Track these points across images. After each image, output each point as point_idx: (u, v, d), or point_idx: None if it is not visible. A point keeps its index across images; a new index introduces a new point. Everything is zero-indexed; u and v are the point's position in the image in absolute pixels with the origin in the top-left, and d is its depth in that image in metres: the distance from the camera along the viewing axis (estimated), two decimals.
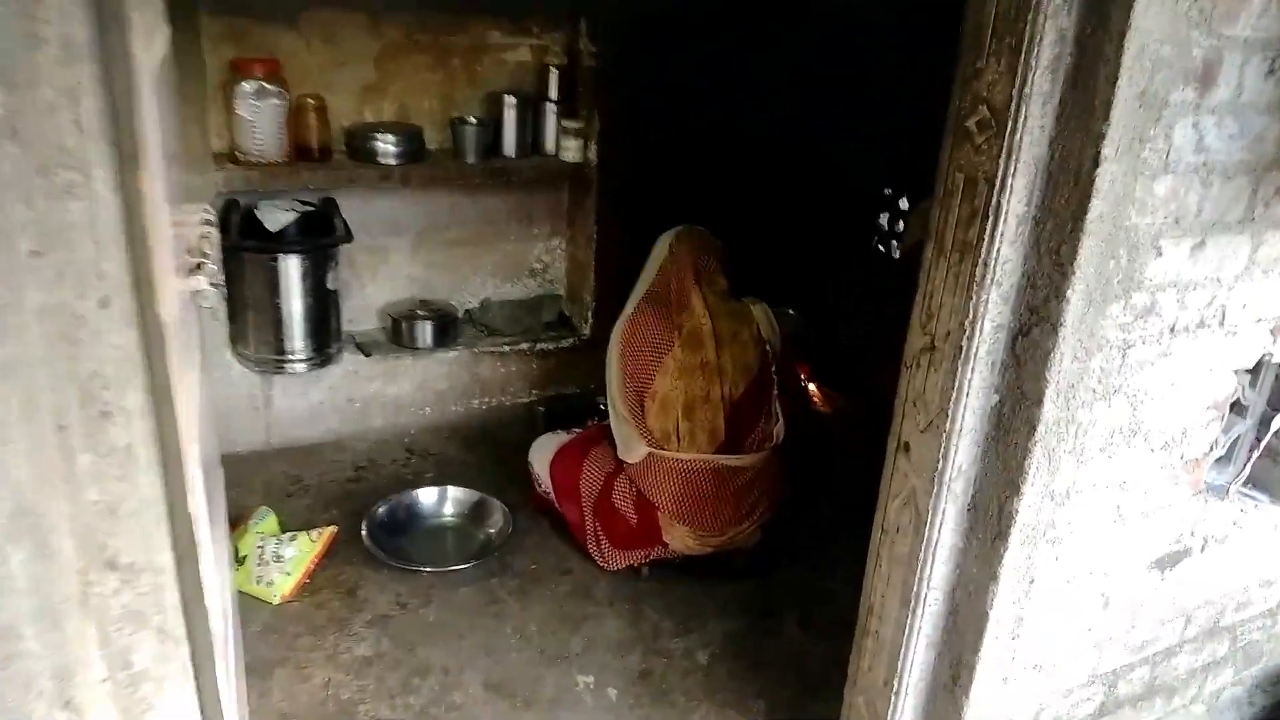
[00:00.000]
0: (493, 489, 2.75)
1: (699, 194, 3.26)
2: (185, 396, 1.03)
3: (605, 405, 2.48)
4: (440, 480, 2.87)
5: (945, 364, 1.40)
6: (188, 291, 1.62)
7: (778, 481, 2.39)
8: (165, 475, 0.96)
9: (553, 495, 2.52)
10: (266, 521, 2.49)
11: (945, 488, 1.45)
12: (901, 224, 3.20)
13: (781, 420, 2.35)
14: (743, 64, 3.19)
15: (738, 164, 3.29)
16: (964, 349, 1.36)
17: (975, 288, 1.33)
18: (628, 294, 3.29)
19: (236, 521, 2.49)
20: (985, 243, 1.30)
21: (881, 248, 3.29)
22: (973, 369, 1.37)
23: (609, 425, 2.45)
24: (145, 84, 0.96)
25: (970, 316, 1.35)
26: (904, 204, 3.19)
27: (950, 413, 1.40)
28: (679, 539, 2.32)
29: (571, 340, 3.32)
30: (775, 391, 2.35)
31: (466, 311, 3.33)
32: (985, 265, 1.31)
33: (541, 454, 2.57)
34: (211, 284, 1.68)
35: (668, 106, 3.11)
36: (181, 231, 1.83)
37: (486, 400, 3.25)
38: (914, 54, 2.89)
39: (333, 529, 2.48)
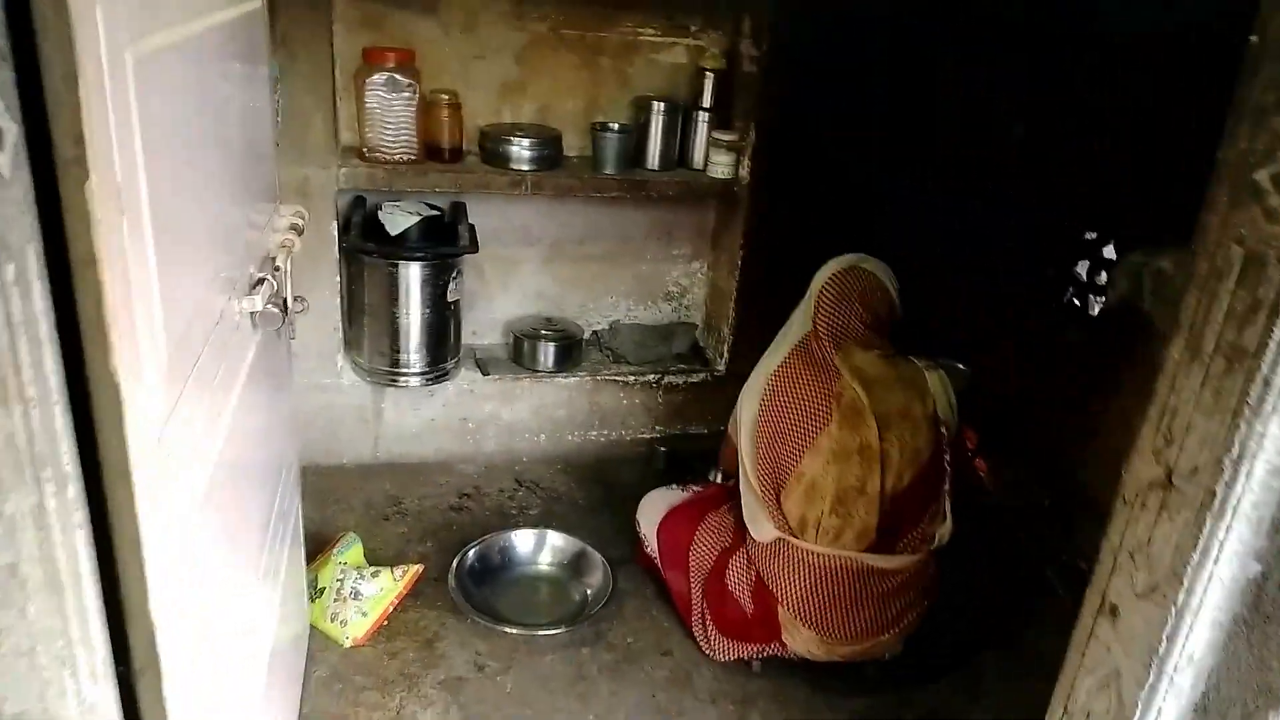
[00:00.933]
0: (597, 538, 2.47)
1: (865, 224, 2.87)
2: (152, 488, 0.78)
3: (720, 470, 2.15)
4: (545, 518, 2.62)
5: (1187, 511, 1.00)
6: (242, 312, 1.42)
7: (932, 586, 1.98)
8: (73, 598, 0.71)
9: (659, 560, 2.21)
10: (352, 551, 2.30)
11: (1166, 678, 1.04)
12: (1104, 276, 2.69)
13: (950, 519, 1.93)
14: (931, 76, 2.77)
15: (914, 193, 2.87)
16: (1219, 495, 0.96)
17: (1247, 413, 0.92)
18: (773, 332, 2.96)
19: (323, 546, 2.32)
20: (1271, 352, 0.90)
21: (1077, 301, 2.79)
22: (1228, 524, 0.96)
23: (734, 486, 2.11)
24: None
25: (1234, 451, 0.94)
26: (1109, 252, 2.68)
27: (1186, 579, 1.00)
28: (801, 642, 1.96)
29: (703, 375, 2.99)
30: (948, 486, 1.93)
31: (594, 333, 3.07)
32: (1267, 384, 0.90)
33: (650, 512, 2.26)
34: (274, 304, 1.47)
35: (837, 123, 2.74)
36: (257, 238, 1.63)
37: (605, 433, 2.97)
38: (1145, 73, 2.40)
39: (418, 569, 2.26)
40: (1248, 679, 1.01)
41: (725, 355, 2.96)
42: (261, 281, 1.47)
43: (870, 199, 2.86)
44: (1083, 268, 2.78)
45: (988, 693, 2.11)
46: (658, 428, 3.01)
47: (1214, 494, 0.96)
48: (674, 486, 2.32)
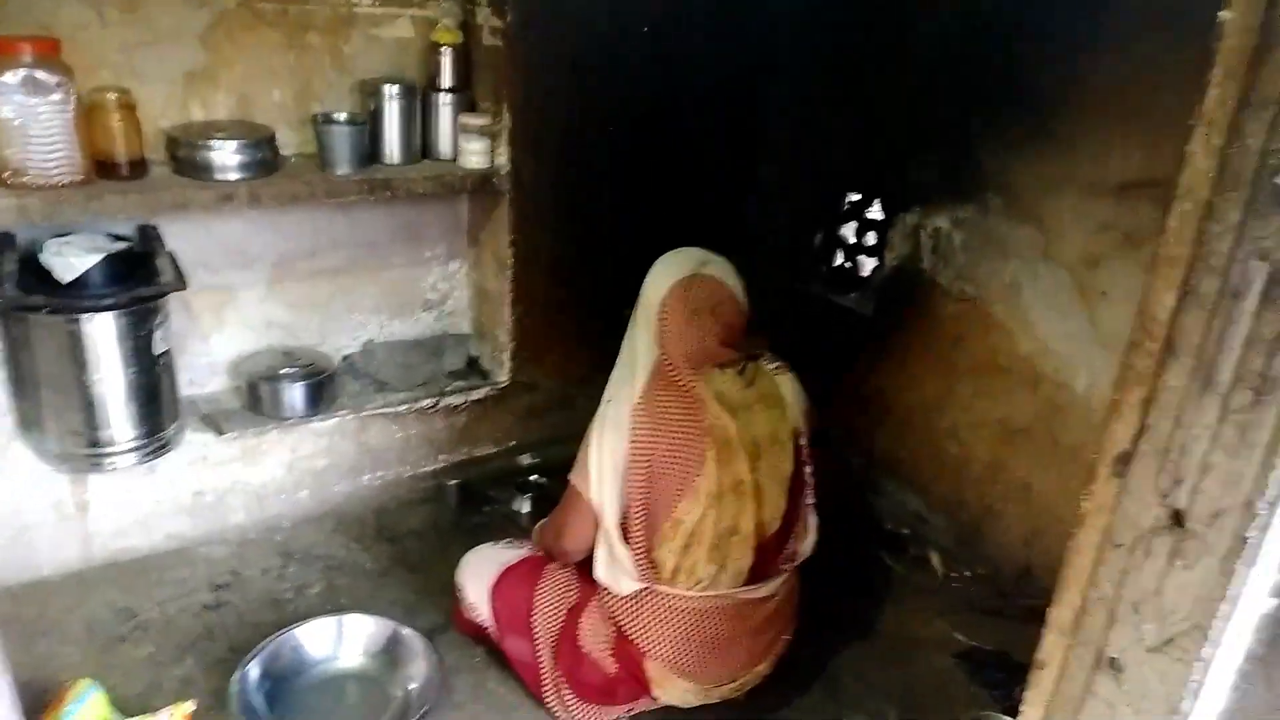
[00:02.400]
0: (401, 609, 2.10)
1: (634, 198, 2.66)
2: None
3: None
4: (330, 597, 2.19)
5: (1209, 559, 0.88)
6: None
7: (797, 603, 1.85)
8: None
9: (493, 630, 1.89)
10: (91, 703, 1.75)
11: None
12: (872, 236, 2.69)
13: (813, 531, 1.79)
14: (686, 30, 2.57)
15: (674, 160, 2.70)
16: (1251, 540, 0.85)
17: None
18: (564, 335, 2.67)
19: (48, 703, 1.75)
20: None
21: (848, 264, 2.78)
22: (1263, 570, 0.86)
23: (549, 531, 1.84)
24: None
25: (1270, 493, 0.83)
26: (875, 212, 2.68)
27: (1211, 630, 0.89)
28: (677, 694, 1.75)
29: (485, 389, 2.66)
30: (810, 500, 1.78)
31: (345, 359, 2.61)
32: None
33: (477, 577, 1.92)
34: None
35: (595, 91, 2.48)
36: None
37: (380, 475, 2.56)
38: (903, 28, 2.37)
39: (188, 707, 1.76)
40: (1266, 717, 0.94)
41: (506, 364, 2.64)
42: None
43: (635, 175, 2.65)
44: (849, 230, 2.77)
45: (848, 693, 2.05)
46: (441, 457, 2.64)
47: (1244, 540, 0.85)
48: (498, 544, 2.00)
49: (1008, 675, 2.07)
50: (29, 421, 2.08)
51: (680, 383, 1.62)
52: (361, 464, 2.51)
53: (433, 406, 2.57)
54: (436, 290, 2.73)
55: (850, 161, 2.67)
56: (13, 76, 1.84)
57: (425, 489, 2.60)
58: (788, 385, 1.74)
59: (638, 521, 1.62)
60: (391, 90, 2.31)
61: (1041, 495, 2.29)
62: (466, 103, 2.43)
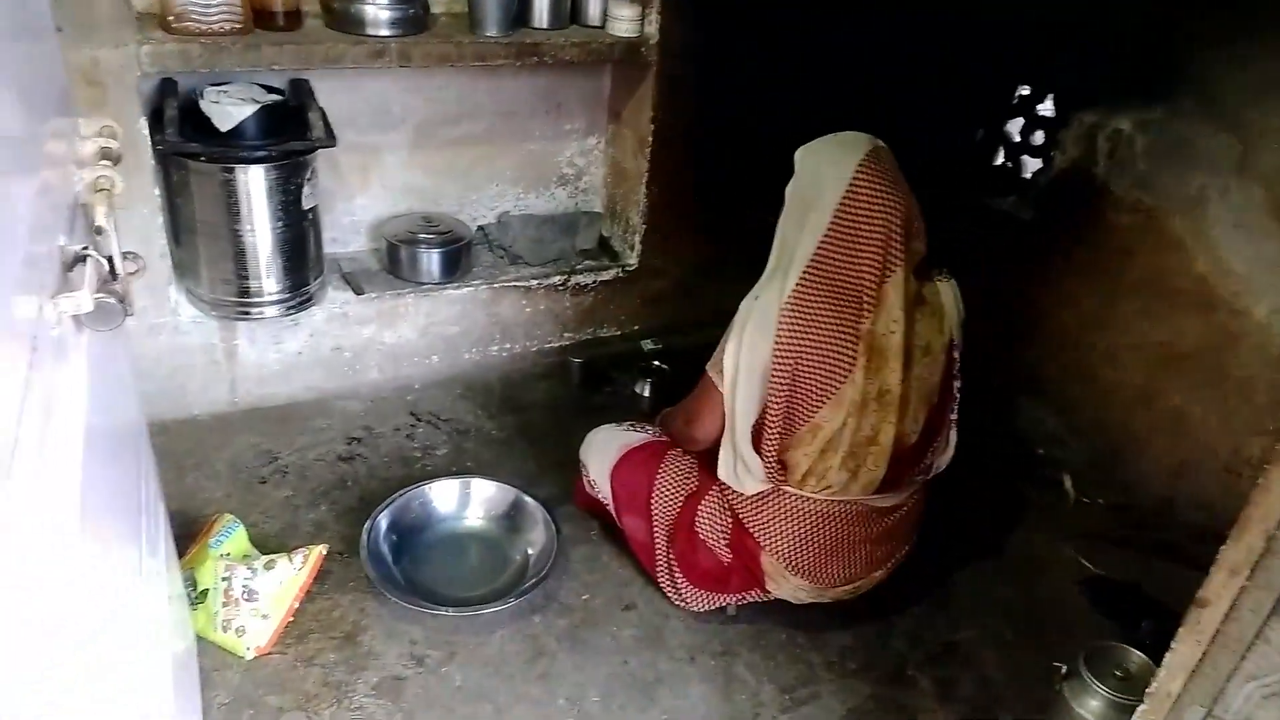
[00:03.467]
0: (522, 478, 2.15)
1: (780, 83, 2.52)
2: None
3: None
4: (456, 458, 2.26)
5: None
6: (62, 317, 0.94)
7: (922, 513, 1.79)
8: None
9: (612, 506, 1.92)
10: (234, 538, 1.87)
11: None
12: (1039, 135, 2.49)
13: (952, 447, 1.71)
14: None
15: (824, 46, 2.52)
16: None
17: None
18: (697, 222, 2.59)
19: (194, 534, 1.88)
20: None
21: (1010, 164, 2.59)
22: None
23: (679, 417, 1.82)
24: None
25: None
26: (1046, 109, 2.47)
27: None
28: (789, 589, 1.74)
29: (614, 271, 2.63)
30: (954, 414, 1.69)
31: (480, 229, 2.62)
32: None
33: (600, 456, 1.93)
34: (109, 293, 0.99)
35: None
36: (57, 181, 1.11)
37: (507, 347, 2.59)
38: None
39: (321, 550, 1.86)
40: None
41: (636, 247, 2.60)
42: (83, 258, 0.98)
43: (785, 60, 2.50)
44: (1015, 127, 2.57)
45: (966, 604, 2.01)
46: (566, 335, 2.65)
47: None
48: (621, 425, 1.99)
49: (1136, 607, 1.99)
50: (184, 268, 2.17)
51: (844, 274, 1.51)
52: (490, 334, 2.54)
53: (562, 284, 2.57)
54: (573, 165, 2.68)
55: (1023, 51, 2.44)
56: None
57: (549, 364, 2.62)
58: (949, 293, 1.62)
59: (774, 423, 1.56)
60: None
61: (1197, 428, 2.14)
62: None
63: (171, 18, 1.92)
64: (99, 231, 1.09)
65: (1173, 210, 2.12)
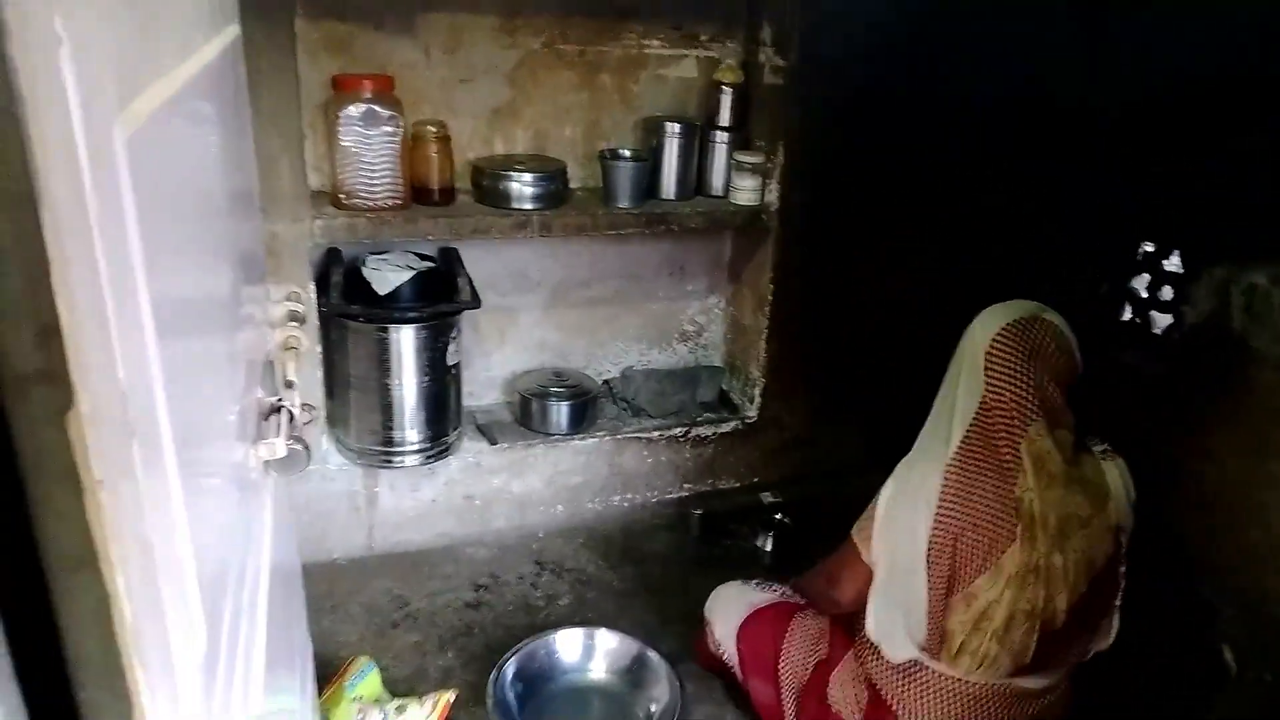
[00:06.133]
0: (644, 631, 2.14)
1: (901, 243, 2.60)
2: None
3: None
4: (578, 609, 2.28)
5: None
6: (258, 463, 1.04)
7: (1071, 698, 1.69)
8: None
9: (738, 668, 1.88)
10: (368, 680, 1.92)
11: None
12: (1167, 291, 2.46)
13: (1114, 633, 1.63)
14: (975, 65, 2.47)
15: (944, 203, 2.60)
16: None
17: None
18: (814, 373, 2.64)
19: (330, 675, 1.94)
20: None
21: (1138, 320, 2.56)
22: None
23: (820, 578, 1.79)
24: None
25: None
26: (1173, 264, 2.45)
27: None
28: None
29: (733, 424, 2.68)
30: (1119, 601, 1.62)
31: (605, 383, 2.73)
32: None
33: (727, 614, 1.91)
34: (295, 440, 1.09)
35: (870, 131, 2.45)
36: (256, 342, 1.25)
37: (629, 497, 2.63)
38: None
39: (449, 696, 1.89)
40: None
41: (756, 399, 2.66)
42: (277, 409, 1.09)
43: (905, 221, 2.59)
44: (1141, 283, 2.55)
45: None
46: (686, 486, 2.68)
47: None
48: (749, 583, 1.98)
49: None
50: (336, 418, 2.34)
51: (999, 438, 1.51)
52: (613, 484, 2.60)
53: (683, 435, 2.63)
54: (694, 323, 2.80)
55: (1146, 205, 2.46)
56: (355, 110, 2.09)
57: (669, 515, 2.64)
58: (1114, 473, 1.59)
59: (935, 591, 1.53)
60: (673, 128, 2.40)
61: None
62: (741, 140, 2.48)
63: (342, 195, 2.16)
64: (289, 385, 1.21)
65: None
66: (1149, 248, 2.52)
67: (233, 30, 1.22)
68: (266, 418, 1.09)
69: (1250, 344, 2.19)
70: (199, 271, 0.76)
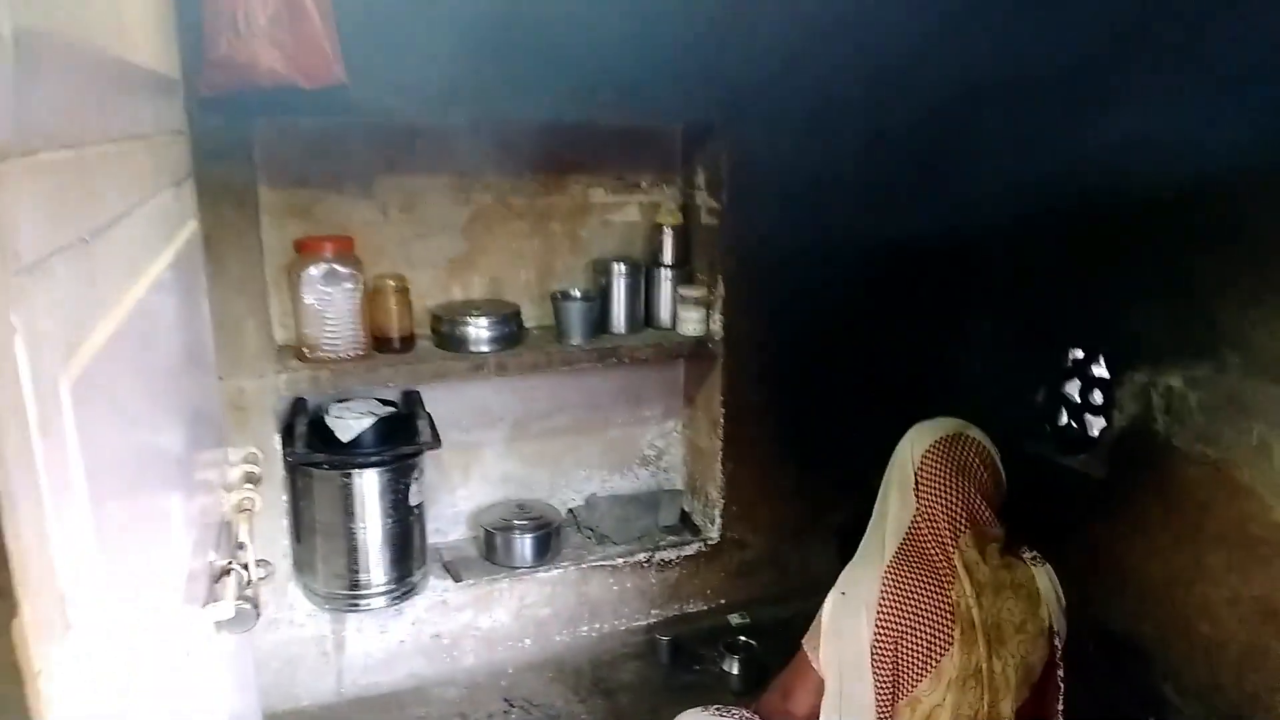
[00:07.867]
0: None
1: (843, 359, 2.73)
2: None
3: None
4: None
5: None
6: (206, 624, 1.10)
7: None
8: None
9: None
10: None
11: None
12: (1098, 395, 2.59)
13: None
14: (893, 194, 2.65)
15: (881, 319, 2.75)
16: None
17: None
18: (770, 492, 2.73)
19: None
20: None
21: (1075, 424, 2.68)
22: None
23: (775, 694, 1.84)
24: None
25: None
26: (1100, 370, 2.60)
27: None
28: None
29: (696, 545, 2.74)
30: (1061, 705, 1.68)
31: (569, 511, 2.79)
32: None
33: None
34: (246, 600, 1.16)
35: (804, 260, 2.61)
36: (210, 506, 1.33)
37: (596, 626, 2.66)
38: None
39: None
40: None
41: (717, 520, 2.73)
42: (227, 571, 1.17)
43: (846, 339, 2.73)
44: (1074, 388, 2.69)
45: None
46: (654, 612, 2.72)
47: None
48: (709, 710, 2.02)
49: None
50: (302, 564, 2.38)
51: (931, 549, 1.61)
52: (580, 614, 2.63)
53: (647, 560, 2.68)
54: (653, 447, 2.89)
55: (1070, 316, 2.62)
56: (316, 270, 2.22)
57: (638, 643, 2.67)
58: (1044, 578, 1.68)
59: (880, 697, 1.59)
60: (620, 268, 2.56)
61: None
62: (685, 275, 2.64)
63: (306, 349, 2.27)
64: (241, 546, 1.29)
65: (1239, 461, 2.15)
66: (1079, 354, 2.67)
67: (190, 226, 1.34)
68: (218, 579, 1.16)
69: (1174, 443, 2.30)
70: (144, 477, 0.84)
